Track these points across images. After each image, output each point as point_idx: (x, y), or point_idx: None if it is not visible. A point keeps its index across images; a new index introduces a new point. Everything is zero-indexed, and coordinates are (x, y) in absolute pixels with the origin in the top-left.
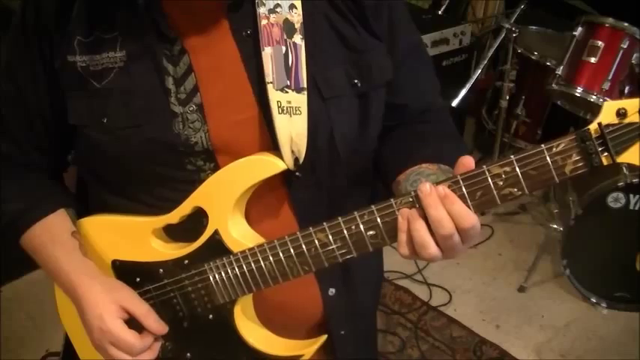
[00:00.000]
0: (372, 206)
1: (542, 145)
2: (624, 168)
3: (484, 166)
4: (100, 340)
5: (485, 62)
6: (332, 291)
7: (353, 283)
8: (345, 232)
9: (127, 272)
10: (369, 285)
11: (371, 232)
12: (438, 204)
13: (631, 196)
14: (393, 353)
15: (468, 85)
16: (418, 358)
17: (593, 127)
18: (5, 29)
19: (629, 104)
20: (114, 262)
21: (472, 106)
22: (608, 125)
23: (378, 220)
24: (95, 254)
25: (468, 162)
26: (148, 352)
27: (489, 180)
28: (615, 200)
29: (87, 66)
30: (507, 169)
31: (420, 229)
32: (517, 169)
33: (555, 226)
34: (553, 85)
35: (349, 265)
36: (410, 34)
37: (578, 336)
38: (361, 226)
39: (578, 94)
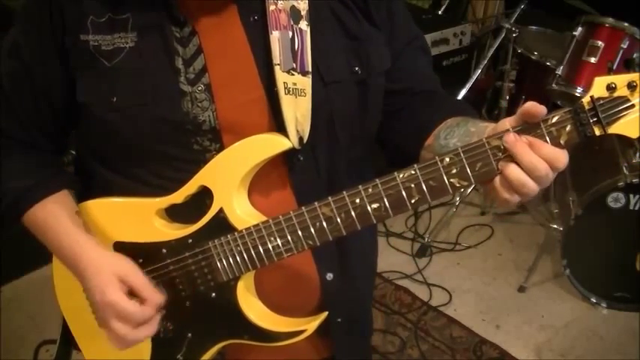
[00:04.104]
0: (377, 180)
1: None
2: (624, 168)
3: (484, 138)
4: (103, 312)
5: (485, 62)
6: (330, 276)
7: (350, 270)
8: (350, 205)
9: (129, 254)
10: (365, 274)
11: (375, 205)
12: (526, 150)
13: (631, 196)
14: (393, 353)
15: (468, 85)
16: (418, 358)
17: (585, 100)
18: (5, 29)
19: (618, 79)
20: (116, 244)
21: (472, 106)
22: (599, 99)
23: (382, 193)
24: (97, 237)
25: (538, 109)
26: (149, 326)
27: (489, 152)
28: (615, 200)
29: (99, 45)
30: None
31: (514, 170)
32: None
33: (555, 226)
34: (553, 85)
35: (347, 252)
36: (408, 24)
37: (578, 336)
38: (365, 200)
39: (578, 94)
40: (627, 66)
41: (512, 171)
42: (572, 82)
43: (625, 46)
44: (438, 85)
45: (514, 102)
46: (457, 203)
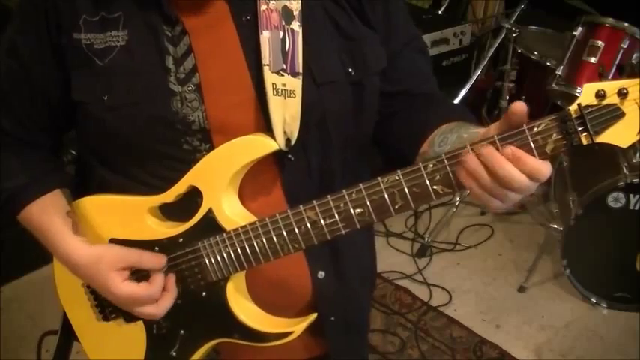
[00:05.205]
0: (360, 185)
1: (524, 125)
2: (624, 168)
3: (467, 145)
4: (122, 306)
5: (485, 62)
6: (321, 274)
7: (343, 269)
8: (334, 210)
9: None
10: (360, 275)
11: (359, 210)
12: (503, 162)
13: (631, 196)
14: (393, 353)
15: (468, 85)
16: (418, 358)
17: (573, 107)
18: (3, 28)
19: (608, 86)
20: (111, 240)
21: (472, 106)
22: (587, 106)
23: (366, 198)
24: (93, 233)
25: (520, 108)
26: (168, 295)
27: None
28: (615, 200)
29: (91, 44)
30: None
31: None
32: (500, 149)
33: (555, 226)
34: (553, 85)
35: (339, 250)
36: (406, 25)
37: (578, 336)
38: (349, 204)
39: (578, 95)
40: (621, 72)
41: (487, 183)
42: (572, 82)
43: (625, 46)
44: (436, 87)
45: (514, 102)
46: (457, 203)
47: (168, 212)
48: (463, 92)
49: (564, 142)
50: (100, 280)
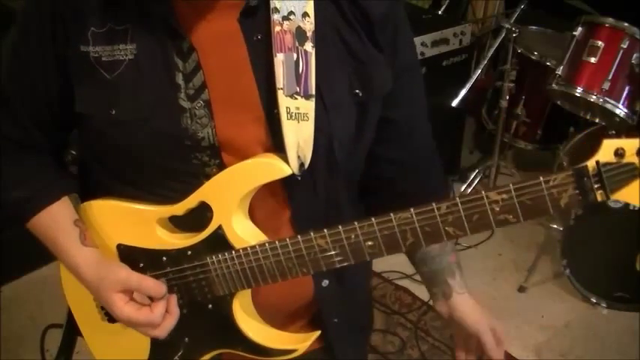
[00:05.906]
0: (372, 218)
1: (541, 178)
2: None
3: (483, 192)
4: (125, 325)
5: (485, 62)
6: (325, 282)
7: (346, 275)
8: (345, 240)
9: (131, 257)
10: (360, 274)
11: (369, 243)
12: None
13: None
14: (393, 353)
15: (468, 85)
16: (418, 358)
17: (590, 164)
18: (5, 29)
19: (628, 144)
20: (119, 245)
21: (472, 106)
22: (605, 164)
23: (377, 232)
24: (100, 237)
25: None
26: (169, 317)
27: (487, 205)
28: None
29: (99, 57)
30: (505, 196)
31: None
32: (514, 198)
33: (555, 226)
34: (553, 85)
35: None
36: (410, 51)
37: (578, 336)
38: (360, 237)
39: (578, 94)
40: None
41: None
42: (572, 82)
43: (625, 46)
44: (426, 121)
45: (514, 102)
46: None
47: (176, 221)
48: (463, 92)
49: (579, 198)
50: (103, 297)
